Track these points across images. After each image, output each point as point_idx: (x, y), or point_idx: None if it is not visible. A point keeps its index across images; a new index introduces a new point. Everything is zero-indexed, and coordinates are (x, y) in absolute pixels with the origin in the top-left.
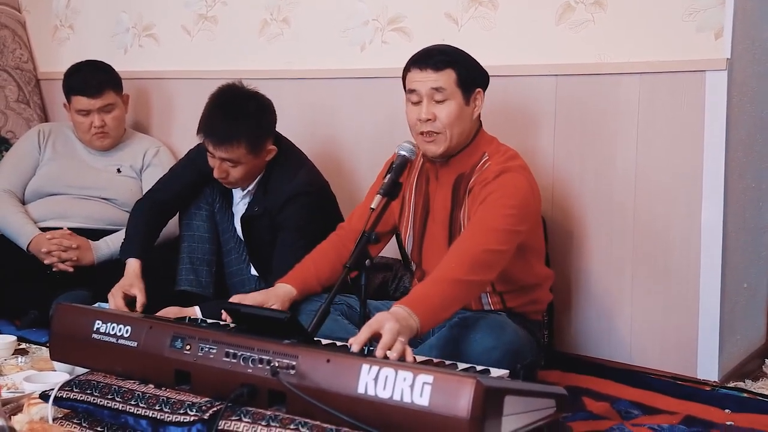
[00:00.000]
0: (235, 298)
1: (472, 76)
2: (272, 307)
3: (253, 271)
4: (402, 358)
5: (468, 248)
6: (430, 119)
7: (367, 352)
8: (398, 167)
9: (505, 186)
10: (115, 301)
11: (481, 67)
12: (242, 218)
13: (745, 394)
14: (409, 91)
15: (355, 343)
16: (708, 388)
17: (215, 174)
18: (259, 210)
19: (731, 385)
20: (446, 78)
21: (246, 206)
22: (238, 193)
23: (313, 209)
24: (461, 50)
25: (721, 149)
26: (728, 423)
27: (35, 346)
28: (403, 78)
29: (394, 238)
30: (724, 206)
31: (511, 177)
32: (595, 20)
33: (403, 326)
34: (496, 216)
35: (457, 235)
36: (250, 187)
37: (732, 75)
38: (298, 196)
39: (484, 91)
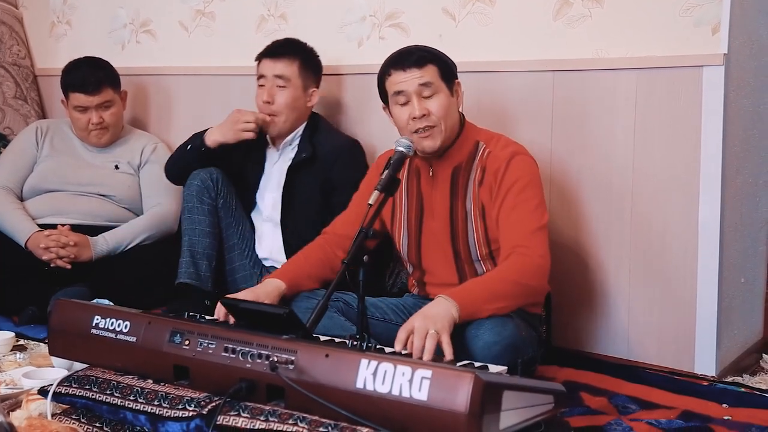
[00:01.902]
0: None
1: (450, 69)
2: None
3: (254, 267)
4: (440, 351)
5: (526, 257)
6: (424, 114)
7: (366, 347)
8: (396, 163)
9: (521, 177)
10: None
11: (452, 60)
12: (290, 167)
13: (743, 389)
14: (396, 93)
15: (397, 343)
16: (705, 383)
17: (264, 97)
18: (307, 155)
19: (729, 379)
20: (431, 73)
21: (292, 156)
22: (272, 156)
23: (364, 164)
24: (431, 47)
25: (718, 144)
26: (725, 417)
27: (33, 342)
28: (382, 82)
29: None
30: (721, 201)
31: (521, 161)
32: (592, 16)
33: (433, 319)
34: (528, 217)
35: (458, 227)
36: (289, 138)
37: (729, 70)
38: (353, 148)
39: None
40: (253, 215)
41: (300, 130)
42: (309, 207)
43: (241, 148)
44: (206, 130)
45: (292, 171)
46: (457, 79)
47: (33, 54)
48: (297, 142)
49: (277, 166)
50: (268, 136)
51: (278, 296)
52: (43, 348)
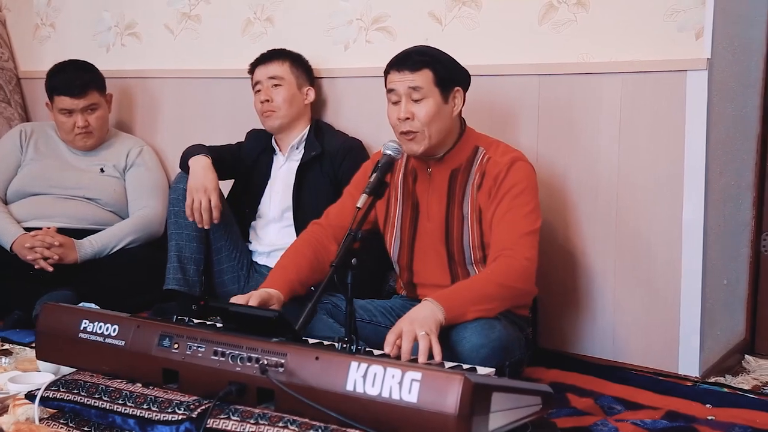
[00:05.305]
0: (239, 299)
1: (450, 76)
2: (272, 307)
3: (242, 269)
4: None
5: (512, 260)
6: (408, 118)
7: (355, 350)
8: (384, 166)
9: (518, 182)
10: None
11: (461, 66)
12: (300, 165)
13: (726, 389)
14: (389, 91)
15: (387, 345)
16: (689, 384)
17: (262, 98)
18: (317, 152)
19: (712, 380)
20: (423, 78)
21: (300, 158)
22: (279, 161)
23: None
24: (441, 51)
25: (702, 148)
26: (709, 417)
27: (19, 346)
28: (384, 80)
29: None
30: (704, 204)
31: (521, 167)
32: (577, 20)
33: (420, 322)
34: (520, 221)
35: (453, 230)
36: (296, 142)
37: (712, 74)
38: (359, 147)
39: (465, 89)
40: (257, 218)
41: (305, 133)
42: (320, 203)
43: (250, 159)
44: (198, 153)
45: (302, 169)
46: (458, 86)
47: (16, 56)
48: (303, 144)
49: (283, 169)
50: (275, 143)
51: (279, 306)
52: (29, 352)
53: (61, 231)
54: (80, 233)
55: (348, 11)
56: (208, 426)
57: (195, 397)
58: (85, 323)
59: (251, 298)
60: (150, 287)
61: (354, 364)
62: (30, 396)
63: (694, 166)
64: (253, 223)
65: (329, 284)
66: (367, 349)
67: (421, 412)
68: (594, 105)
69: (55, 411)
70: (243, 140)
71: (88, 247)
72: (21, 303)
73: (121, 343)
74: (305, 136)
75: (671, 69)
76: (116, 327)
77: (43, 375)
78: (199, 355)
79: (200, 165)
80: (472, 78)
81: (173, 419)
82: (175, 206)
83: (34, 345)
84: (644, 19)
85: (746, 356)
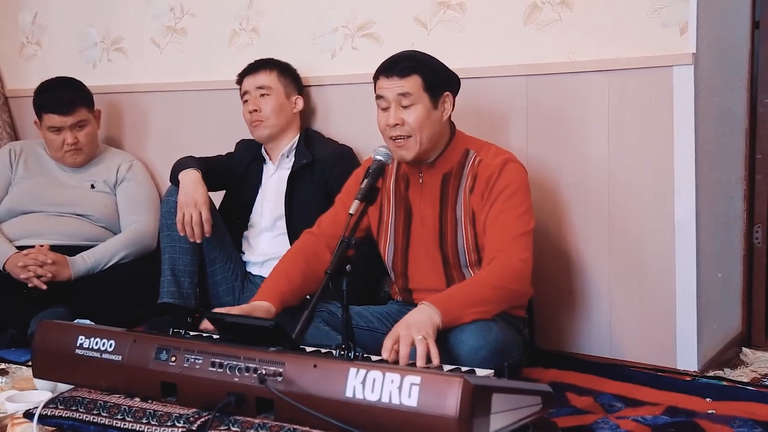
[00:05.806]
0: (222, 312)
1: (439, 81)
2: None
3: (236, 279)
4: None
5: (506, 262)
6: (398, 124)
7: (353, 356)
8: (375, 172)
9: (511, 183)
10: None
11: (450, 71)
12: (291, 174)
13: (725, 383)
14: (378, 97)
15: (384, 350)
16: (688, 378)
17: (250, 108)
18: (307, 161)
19: (711, 374)
20: (412, 84)
21: (290, 166)
22: (269, 169)
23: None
24: (429, 56)
25: (691, 142)
26: (710, 411)
27: (15, 365)
28: (374, 86)
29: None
30: (695, 198)
31: (513, 168)
32: (562, 20)
33: (417, 326)
34: (514, 222)
35: (447, 234)
36: (286, 150)
37: (698, 69)
38: (349, 154)
39: (454, 94)
40: (249, 227)
41: (295, 141)
42: (312, 210)
43: (240, 168)
44: (188, 166)
45: (293, 178)
46: (447, 91)
47: (3, 75)
48: (293, 152)
49: (274, 178)
50: (265, 152)
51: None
52: (26, 371)
53: (53, 248)
54: (73, 250)
55: (333, 19)
56: None
57: (194, 410)
58: (82, 339)
59: (232, 309)
60: (144, 301)
61: (353, 371)
62: (28, 414)
63: (683, 161)
64: (245, 233)
65: (324, 292)
66: (365, 355)
67: (422, 416)
68: (582, 103)
69: (54, 429)
70: (233, 150)
71: (81, 263)
72: (15, 322)
73: (118, 357)
74: (295, 145)
75: (657, 65)
76: (113, 342)
77: (41, 393)
78: (197, 367)
79: (190, 179)
80: (460, 82)
81: None
82: (167, 219)
83: (30, 363)
84: (628, 15)
85: (743, 349)
